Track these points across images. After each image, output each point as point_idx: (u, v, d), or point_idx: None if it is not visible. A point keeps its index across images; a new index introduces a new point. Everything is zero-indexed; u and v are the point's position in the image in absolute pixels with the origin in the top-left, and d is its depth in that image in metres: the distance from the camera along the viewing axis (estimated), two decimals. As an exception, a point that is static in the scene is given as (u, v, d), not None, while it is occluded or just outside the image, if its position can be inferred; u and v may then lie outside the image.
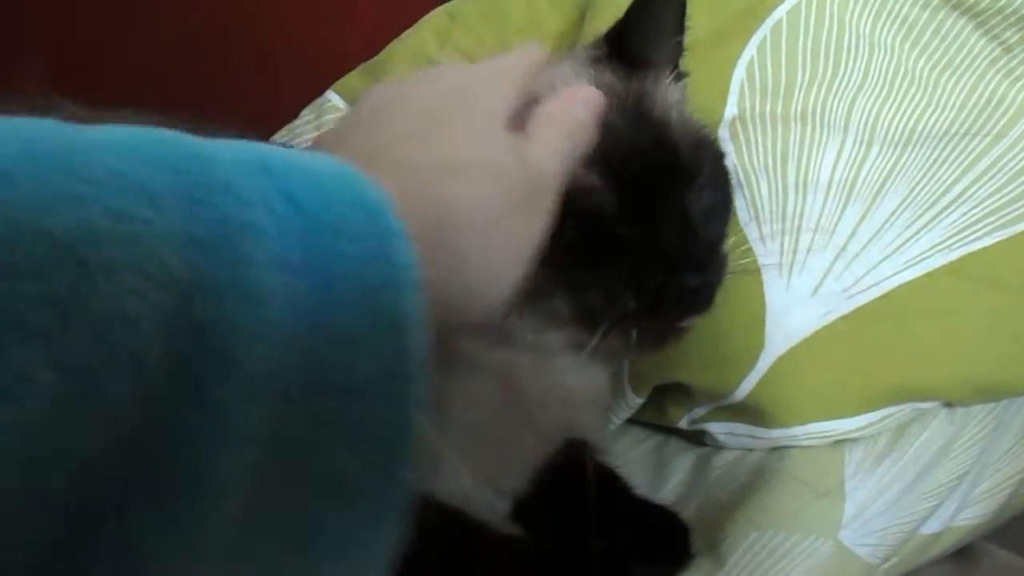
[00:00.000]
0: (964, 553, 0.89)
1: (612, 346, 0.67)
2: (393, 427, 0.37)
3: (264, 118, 1.11)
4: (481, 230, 0.47)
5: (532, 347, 0.68)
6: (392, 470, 0.38)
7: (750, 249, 0.82)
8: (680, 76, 0.73)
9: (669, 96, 0.71)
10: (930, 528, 0.81)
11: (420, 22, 1.08)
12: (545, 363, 0.71)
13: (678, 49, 0.73)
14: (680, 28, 0.73)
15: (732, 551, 0.70)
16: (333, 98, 1.09)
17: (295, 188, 0.37)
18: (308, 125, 1.09)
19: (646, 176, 0.64)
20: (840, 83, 0.88)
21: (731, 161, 0.85)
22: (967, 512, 0.83)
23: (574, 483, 0.75)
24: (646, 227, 0.63)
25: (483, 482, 0.70)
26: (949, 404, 0.83)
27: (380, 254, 0.37)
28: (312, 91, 1.12)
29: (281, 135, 1.10)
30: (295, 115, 1.11)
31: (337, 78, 1.11)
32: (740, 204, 0.84)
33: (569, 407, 0.74)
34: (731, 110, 0.88)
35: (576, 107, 0.56)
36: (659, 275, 0.63)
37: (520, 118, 0.53)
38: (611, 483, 0.75)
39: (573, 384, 0.74)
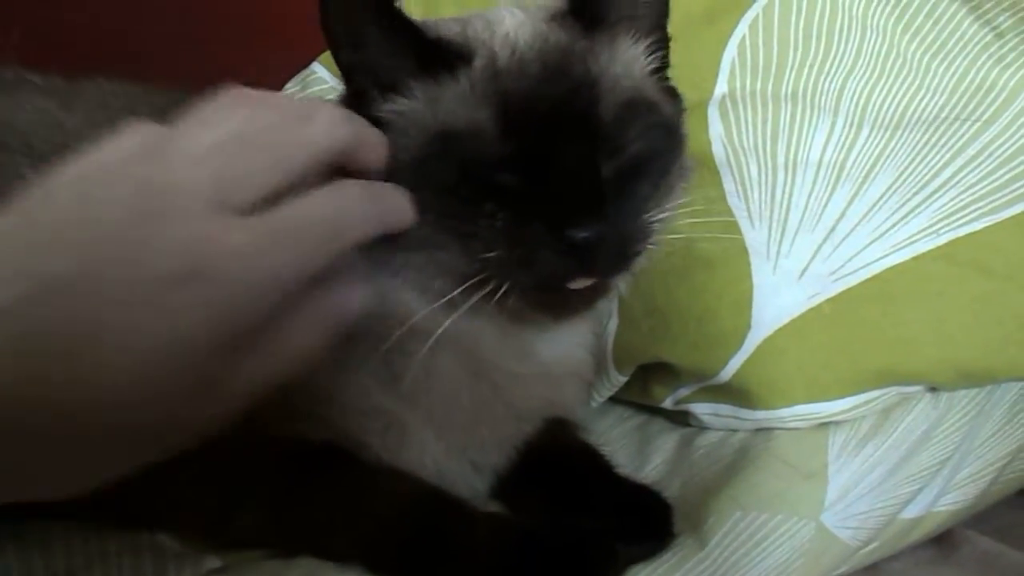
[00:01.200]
0: (944, 538, 0.89)
1: (497, 304, 0.61)
2: None
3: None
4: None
5: (492, 315, 0.65)
6: None
7: (738, 228, 0.81)
8: (659, 40, 0.70)
9: (622, 53, 0.67)
10: (911, 513, 0.81)
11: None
12: (513, 333, 0.69)
13: (650, 8, 0.69)
14: None
15: (714, 531, 0.70)
16: (319, 70, 1.08)
17: None
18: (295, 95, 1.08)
19: (545, 127, 0.61)
20: (832, 64, 0.88)
21: (720, 139, 0.85)
22: (948, 497, 0.83)
23: (556, 461, 0.74)
24: (534, 177, 0.60)
25: (456, 455, 0.69)
26: (933, 389, 0.83)
27: None
28: (298, 62, 1.10)
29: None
30: (280, 87, 1.09)
31: (324, 49, 1.09)
32: (729, 183, 0.84)
33: (547, 381, 0.73)
34: (721, 88, 0.88)
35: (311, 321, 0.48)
36: (539, 226, 0.59)
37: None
38: (594, 462, 0.75)
39: (548, 357, 0.73)
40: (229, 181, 0.44)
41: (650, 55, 0.69)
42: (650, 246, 0.65)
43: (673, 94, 0.71)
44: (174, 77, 1.11)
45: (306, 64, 1.10)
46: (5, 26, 1.05)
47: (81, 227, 0.42)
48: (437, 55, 0.63)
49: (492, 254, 0.60)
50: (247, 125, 0.46)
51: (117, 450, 0.45)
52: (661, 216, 0.66)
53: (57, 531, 0.69)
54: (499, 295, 0.60)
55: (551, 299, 0.64)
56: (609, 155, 0.62)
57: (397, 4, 0.63)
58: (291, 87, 1.09)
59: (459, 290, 0.61)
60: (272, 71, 1.11)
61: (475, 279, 0.60)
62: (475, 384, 0.69)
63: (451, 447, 0.69)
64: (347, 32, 0.61)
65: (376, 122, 0.61)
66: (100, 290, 0.41)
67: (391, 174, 0.59)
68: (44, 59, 1.07)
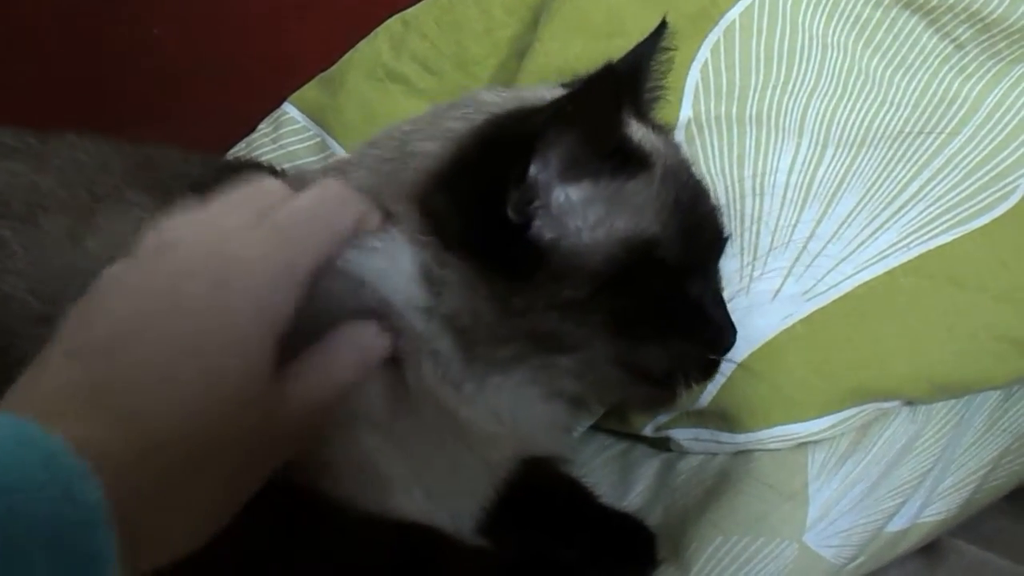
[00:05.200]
0: (931, 549, 0.90)
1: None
2: None
3: (221, 131, 1.10)
4: (192, 485, 0.49)
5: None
6: None
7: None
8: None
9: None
10: (896, 525, 0.81)
11: (375, 31, 1.07)
12: (488, 401, 0.68)
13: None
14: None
15: (697, 557, 0.70)
16: (290, 110, 1.08)
17: None
18: (266, 138, 1.08)
19: (711, 244, 0.68)
20: (794, 85, 0.88)
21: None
22: (932, 508, 0.84)
23: (537, 495, 0.74)
24: (703, 289, 0.67)
25: (438, 506, 0.69)
26: (910, 403, 0.84)
27: (64, 495, 0.39)
28: (269, 103, 1.11)
29: (239, 148, 1.09)
30: (253, 128, 1.10)
31: (294, 90, 1.10)
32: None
33: (521, 438, 0.72)
34: (686, 112, 0.88)
35: (349, 357, 0.58)
36: (708, 340, 0.67)
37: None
38: (575, 493, 0.75)
39: (523, 417, 0.71)
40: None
41: None
42: None
43: None
44: (146, 120, 1.13)
45: (277, 105, 1.10)
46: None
47: None
48: (625, 152, 0.64)
49: (682, 369, 0.67)
50: None
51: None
52: None
53: None
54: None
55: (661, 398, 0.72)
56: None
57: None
58: (263, 127, 1.09)
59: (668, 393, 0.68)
60: (244, 111, 1.11)
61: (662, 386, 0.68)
62: (452, 445, 0.68)
63: (432, 499, 0.68)
64: (594, 118, 0.60)
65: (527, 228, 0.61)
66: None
67: (563, 282, 0.61)
68: (14, 108, 1.09)
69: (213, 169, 0.82)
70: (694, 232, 0.65)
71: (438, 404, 0.66)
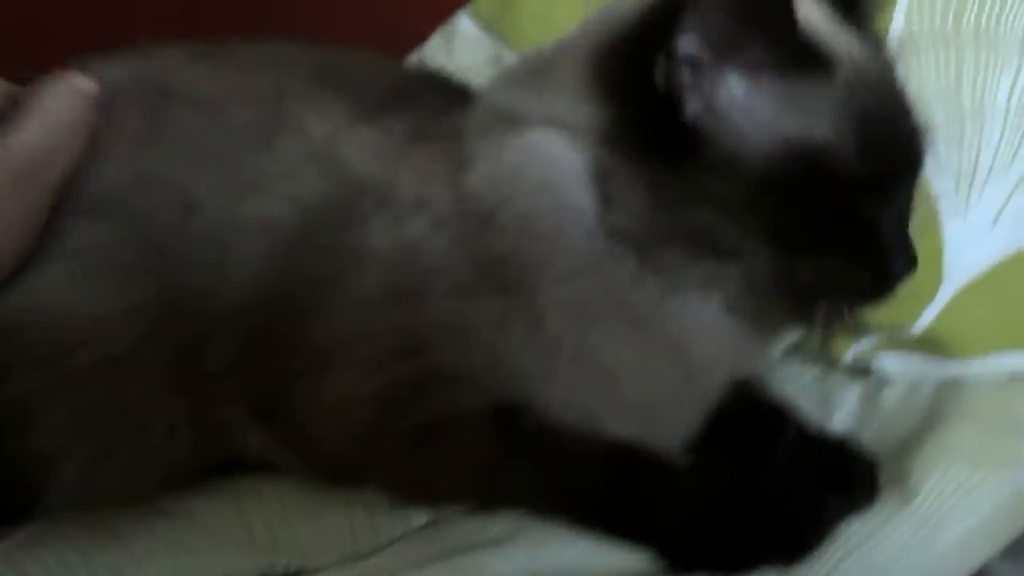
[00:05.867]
0: None
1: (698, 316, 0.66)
2: None
3: (393, 42, 1.09)
4: None
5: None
6: None
7: (926, 179, 0.79)
8: None
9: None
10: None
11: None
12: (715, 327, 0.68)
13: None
14: None
15: (920, 485, 0.69)
16: (464, 22, 1.06)
17: None
18: (438, 50, 1.07)
19: (895, 157, 0.62)
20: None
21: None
22: None
23: (748, 419, 0.74)
24: (881, 209, 0.62)
25: (650, 434, 0.68)
26: None
27: None
28: (440, 14, 1.09)
29: (411, 59, 1.07)
30: (424, 39, 1.08)
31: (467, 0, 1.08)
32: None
33: (739, 354, 0.72)
34: (898, 26, 0.84)
35: (58, 98, 0.67)
36: (875, 261, 0.62)
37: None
38: (786, 416, 0.75)
39: (714, 331, 0.69)
40: None
41: None
42: None
43: None
44: (315, 31, 1.12)
45: (449, 16, 1.08)
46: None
47: None
48: (805, 48, 0.60)
49: (835, 283, 0.62)
50: None
51: None
52: None
53: (267, 483, 0.71)
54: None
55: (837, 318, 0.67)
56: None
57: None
58: (435, 40, 1.08)
59: (819, 314, 0.65)
60: (415, 21, 1.10)
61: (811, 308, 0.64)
62: (671, 376, 0.68)
63: (644, 432, 0.68)
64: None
65: (686, 114, 0.59)
66: None
67: (721, 179, 0.59)
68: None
69: (398, 85, 0.80)
70: (879, 148, 0.60)
71: (646, 324, 0.65)
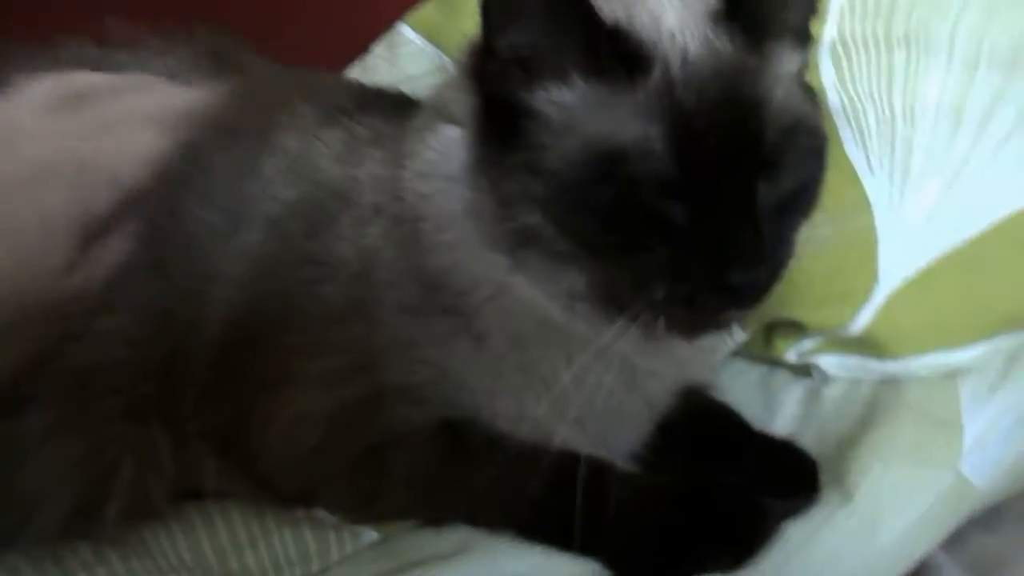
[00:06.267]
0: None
1: (635, 333, 0.63)
2: None
3: (335, 52, 1.09)
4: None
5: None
6: None
7: (859, 181, 0.81)
8: (804, 41, 0.66)
9: (781, 68, 0.63)
10: (1038, 451, 0.81)
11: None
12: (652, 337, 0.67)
13: (803, 9, 0.65)
14: None
15: (859, 484, 0.70)
16: (406, 31, 1.06)
17: None
18: (381, 60, 1.06)
19: (717, 155, 0.57)
20: (943, 3, 0.85)
21: (835, 87, 0.84)
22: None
23: (692, 424, 0.75)
24: (700, 209, 0.58)
25: (597, 447, 0.69)
26: (1059, 329, 0.83)
27: None
28: (381, 22, 1.08)
29: (352, 71, 1.07)
30: (365, 49, 1.08)
31: (407, 9, 1.07)
32: (845, 131, 0.82)
33: (680, 365, 0.73)
34: (831, 31, 0.85)
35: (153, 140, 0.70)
36: (701, 266, 0.57)
37: None
38: (730, 420, 0.76)
39: (683, 348, 0.72)
40: None
41: (799, 59, 0.65)
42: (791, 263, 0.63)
43: (811, 92, 0.67)
44: (256, 38, 1.11)
45: (391, 24, 1.08)
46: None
47: None
48: (612, 51, 0.58)
49: (654, 291, 0.59)
50: None
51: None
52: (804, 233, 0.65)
53: (215, 510, 0.71)
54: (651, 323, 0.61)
55: (695, 325, 0.66)
56: (769, 186, 0.60)
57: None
58: (378, 49, 1.07)
59: (623, 320, 0.61)
60: (357, 32, 1.09)
61: (632, 311, 0.60)
62: (616, 387, 0.68)
63: (592, 442, 0.69)
64: (508, 5, 0.57)
65: (519, 111, 0.60)
66: None
67: (531, 175, 0.59)
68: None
69: (359, 96, 0.82)
70: (699, 149, 0.57)
71: (574, 334, 0.66)
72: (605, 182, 0.58)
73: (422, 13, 1.06)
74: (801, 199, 0.63)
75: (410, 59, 1.05)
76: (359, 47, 1.10)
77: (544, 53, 0.58)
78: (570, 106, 0.59)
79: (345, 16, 1.10)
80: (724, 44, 0.60)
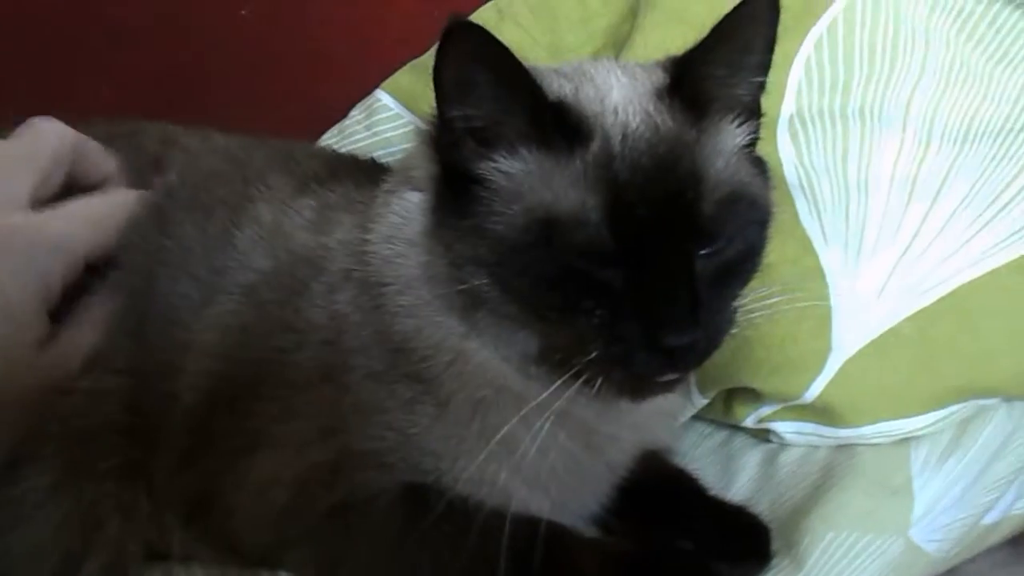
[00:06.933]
0: (1019, 539, 0.91)
1: (590, 396, 0.64)
2: None
3: (313, 118, 1.12)
4: None
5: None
6: None
7: (814, 251, 0.83)
8: (753, 116, 0.68)
9: (723, 142, 0.65)
10: (990, 518, 0.83)
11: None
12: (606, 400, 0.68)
13: (758, 89, 0.67)
14: (764, 67, 0.66)
15: (810, 552, 0.72)
16: (383, 97, 1.09)
17: None
18: (358, 125, 1.09)
19: (651, 225, 0.60)
20: (897, 79, 0.88)
21: (792, 161, 0.86)
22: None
23: (651, 488, 0.77)
24: (636, 275, 0.60)
25: (557, 511, 0.70)
26: (1009, 399, 0.85)
27: None
28: (361, 90, 1.12)
29: (331, 135, 1.10)
30: (344, 115, 1.11)
31: (384, 75, 1.11)
32: (801, 204, 0.85)
33: (639, 429, 0.75)
34: (789, 107, 0.88)
35: (101, 206, 0.72)
36: (635, 328, 0.59)
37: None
38: (687, 485, 0.78)
39: (640, 412, 0.73)
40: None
41: (746, 132, 0.67)
42: (734, 331, 0.65)
43: (760, 164, 0.70)
44: (235, 104, 1.14)
45: (368, 91, 1.11)
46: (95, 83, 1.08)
47: None
48: (555, 124, 0.61)
49: (590, 352, 0.60)
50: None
51: None
52: (743, 300, 0.67)
53: (181, 572, 0.72)
54: (592, 382, 0.62)
55: (636, 386, 0.66)
56: (707, 255, 0.62)
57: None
58: (355, 114, 1.10)
59: (560, 381, 0.62)
60: (336, 98, 1.12)
61: (572, 371, 0.61)
62: (576, 450, 0.70)
63: (553, 505, 0.70)
64: (460, 80, 0.60)
65: (471, 178, 0.63)
66: None
67: (480, 239, 0.61)
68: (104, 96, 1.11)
69: (332, 163, 0.85)
70: (633, 219, 0.60)
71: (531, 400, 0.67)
72: (544, 247, 0.60)
73: (398, 79, 1.09)
74: (741, 267, 0.65)
75: (387, 124, 1.08)
76: (338, 112, 1.12)
77: (493, 124, 0.61)
78: (517, 175, 0.62)
79: (323, 81, 1.13)
80: (665, 119, 0.63)
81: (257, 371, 0.71)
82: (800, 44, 0.89)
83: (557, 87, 0.65)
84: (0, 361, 0.63)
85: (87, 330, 0.70)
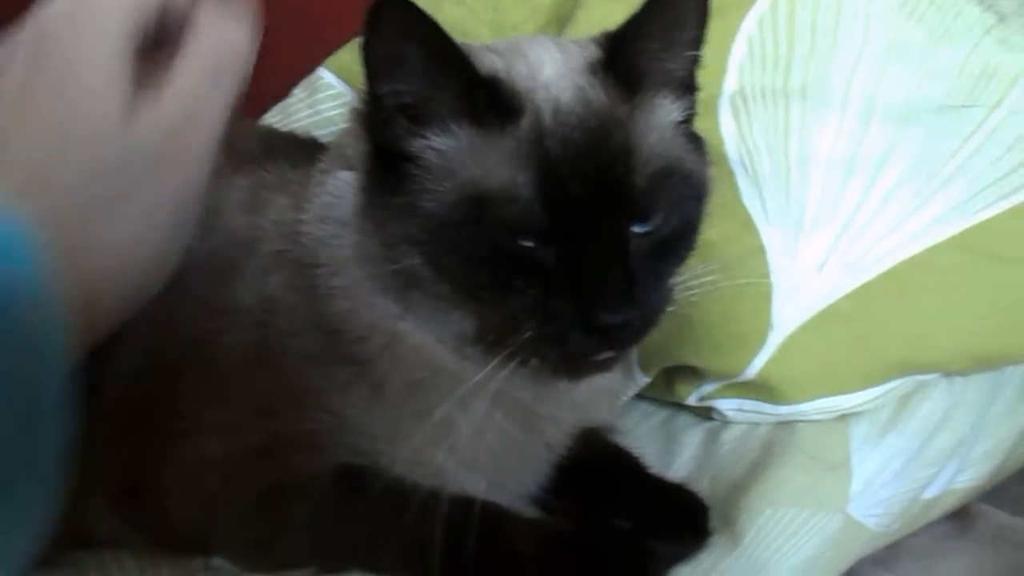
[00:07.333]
0: (961, 514, 0.93)
1: (527, 376, 0.64)
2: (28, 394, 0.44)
3: (255, 96, 1.09)
4: (97, 219, 0.51)
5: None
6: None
7: (756, 229, 0.83)
8: (688, 91, 0.68)
9: (657, 117, 0.65)
10: (930, 493, 0.84)
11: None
12: (543, 380, 0.68)
13: (692, 63, 0.67)
14: (698, 42, 0.65)
15: (747, 528, 0.72)
16: (326, 75, 1.07)
17: None
18: (301, 103, 1.07)
19: (583, 201, 0.59)
20: (839, 56, 0.88)
21: (733, 138, 0.86)
22: (964, 475, 0.86)
23: (590, 466, 0.76)
24: (568, 253, 0.59)
25: (495, 490, 0.70)
26: (949, 374, 0.86)
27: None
28: (303, 68, 1.09)
29: (274, 114, 1.08)
30: (287, 93, 1.09)
31: (328, 53, 1.09)
32: (743, 181, 0.85)
33: (579, 408, 0.74)
34: (731, 84, 0.87)
35: (217, 54, 0.58)
36: (568, 306, 0.59)
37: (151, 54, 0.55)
38: (627, 463, 0.77)
39: (580, 391, 0.73)
40: None
41: (682, 107, 0.67)
42: (670, 309, 0.65)
43: (697, 141, 0.69)
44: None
45: (312, 69, 1.09)
46: None
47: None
48: (486, 100, 0.60)
49: (524, 332, 0.60)
50: None
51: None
52: (682, 278, 0.66)
53: (110, 560, 0.71)
54: (527, 362, 0.61)
55: (572, 366, 0.66)
56: (641, 231, 0.61)
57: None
58: (298, 92, 1.08)
59: (495, 362, 0.61)
60: (277, 76, 1.10)
61: (506, 351, 0.61)
62: (513, 430, 0.69)
63: (490, 485, 0.70)
64: (389, 56, 0.59)
65: (403, 156, 0.62)
66: None
67: (411, 218, 0.61)
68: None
69: (269, 142, 0.84)
70: (565, 195, 0.59)
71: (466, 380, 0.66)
72: (475, 225, 0.60)
73: (341, 56, 1.07)
74: (677, 244, 0.65)
75: (330, 102, 1.06)
76: (280, 91, 1.10)
77: (424, 101, 0.61)
78: (448, 152, 0.61)
79: (266, 58, 1.11)
80: (597, 94, 0.63)
81: (188, 352, 0.70)
82: (742, 21, 0.88)
83: (489, 63, 0.64)
84: (81, 122, 0.52)
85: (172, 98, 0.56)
